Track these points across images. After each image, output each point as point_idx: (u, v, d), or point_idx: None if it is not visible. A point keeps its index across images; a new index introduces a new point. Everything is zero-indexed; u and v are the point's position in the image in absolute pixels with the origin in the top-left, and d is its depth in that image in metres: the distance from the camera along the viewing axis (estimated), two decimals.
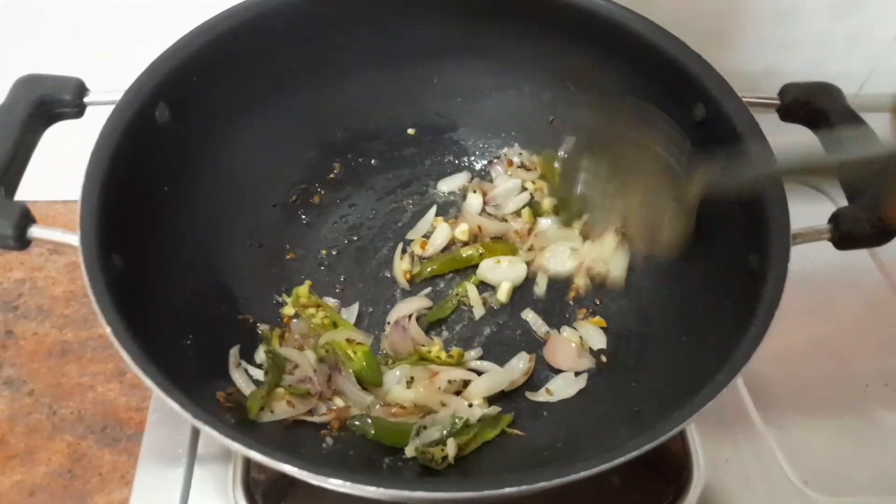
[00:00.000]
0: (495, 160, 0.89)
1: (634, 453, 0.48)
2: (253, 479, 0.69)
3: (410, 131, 0.88)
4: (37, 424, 0.78)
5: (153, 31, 0.79)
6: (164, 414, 0.73)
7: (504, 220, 0.85)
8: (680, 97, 0.69)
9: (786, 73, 1.02)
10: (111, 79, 0.65)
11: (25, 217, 0.55)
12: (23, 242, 0.55)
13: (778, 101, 0.69)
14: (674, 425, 0.50)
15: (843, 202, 0.63)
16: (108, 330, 0.51)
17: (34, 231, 0.56)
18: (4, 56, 0.83)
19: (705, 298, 0.67)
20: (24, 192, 0.60)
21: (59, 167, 0.71)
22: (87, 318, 0.87)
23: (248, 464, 0.69)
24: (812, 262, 0.62)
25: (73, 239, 0.55)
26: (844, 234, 0.61)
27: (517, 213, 0.86)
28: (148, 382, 0.50)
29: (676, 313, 0.69)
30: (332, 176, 0.86)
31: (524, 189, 0.87)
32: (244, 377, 0.68)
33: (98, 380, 0.81)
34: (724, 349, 0.55)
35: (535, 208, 0.85)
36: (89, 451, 0.76)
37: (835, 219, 0.62)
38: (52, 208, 0.94)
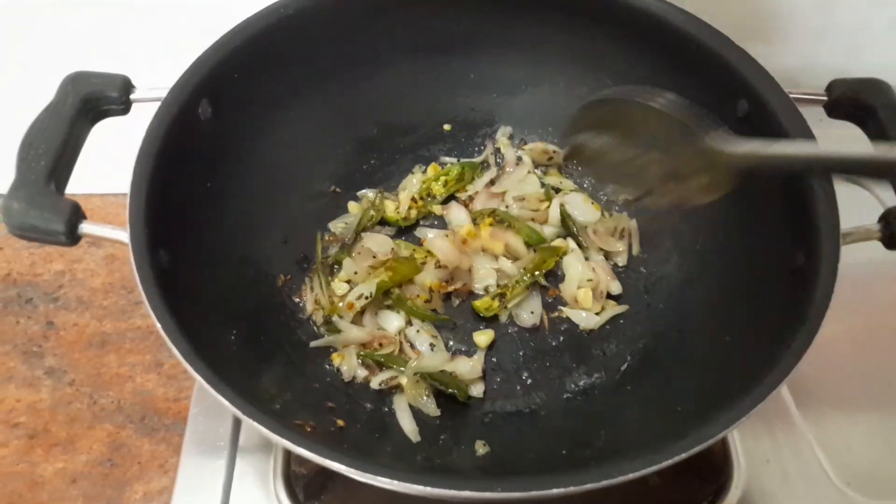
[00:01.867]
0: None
1: (683, 455, 0.48)
2: (293, 471, 0.69)
3: (446, 127, 0.88)
4: (78, 413, 0.79)
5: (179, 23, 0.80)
6: (206, 407, 0.74)
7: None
8: (721, 92, 0.68)
9: (824, 66, 1.00)
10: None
11: (76, 213, 0.56)
12: (73, 238, 0.56)
13: (825, 97, 0.68)
14: (722, 427, 0.49)
15: (891, 202, 0.61)
16: (158, 326, 0.52)
17: (84, 227, 0.56)
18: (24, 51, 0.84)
19: (749, 297, 0.65)
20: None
21: (96, 161, 0.71)
22: (124, 309, 0.88)
23: (289, 456, 0.70)
24: (855, 256, 0.60)
25: (123, 235, 0.55)
26: None
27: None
28: (198, 378, 0.50)
29: (719, 312, 0.68)
30: (368, 170, 0.86)
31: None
32: None
33: (136, 370, 0.83)
34: (771, 351, 0.54)
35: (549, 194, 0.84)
36: (129, 440, 0.77)
37: (885, 218, 0.60)
38: (90, 201, 0.95)
